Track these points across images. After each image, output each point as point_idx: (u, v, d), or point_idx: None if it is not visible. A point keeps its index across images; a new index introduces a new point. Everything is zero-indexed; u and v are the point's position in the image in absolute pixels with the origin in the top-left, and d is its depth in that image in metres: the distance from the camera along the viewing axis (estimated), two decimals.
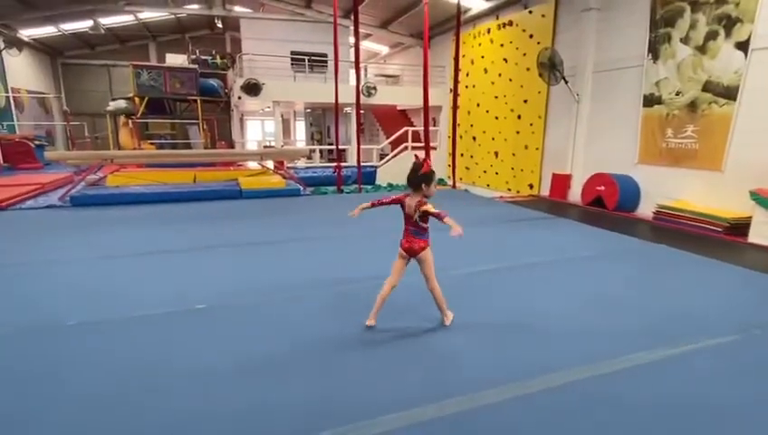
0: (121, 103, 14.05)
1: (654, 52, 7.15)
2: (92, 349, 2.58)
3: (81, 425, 1.92)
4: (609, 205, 7.54)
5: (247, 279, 3.79)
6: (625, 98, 7.79)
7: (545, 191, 9.58)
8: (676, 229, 6.15)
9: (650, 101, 7.27)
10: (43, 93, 17.11)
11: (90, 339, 2.70)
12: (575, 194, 8.67)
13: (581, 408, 2.08)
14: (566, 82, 8.57)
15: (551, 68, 8.58)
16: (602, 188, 7.73)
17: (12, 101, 14.29)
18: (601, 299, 3.39)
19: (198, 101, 13.14)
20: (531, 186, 10.16)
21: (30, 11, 12.86)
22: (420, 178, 2.74)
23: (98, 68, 19.31)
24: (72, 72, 19.03)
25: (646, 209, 7.29)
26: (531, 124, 10.02)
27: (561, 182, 9.03)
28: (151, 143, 13.61)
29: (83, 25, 15.28)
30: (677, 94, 6.83)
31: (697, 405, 2.12)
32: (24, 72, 15.64)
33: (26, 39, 15.39)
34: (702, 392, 2.22)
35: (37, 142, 13.09)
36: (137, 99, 12.67)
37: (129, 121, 13.25)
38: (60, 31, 15.80)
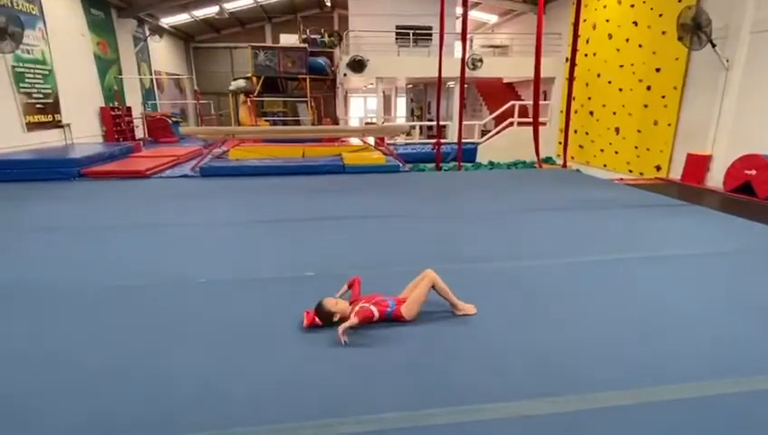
0: (241, 83, 15.34)
1: None
2: (219, 298, 2.90)
3: (216, 342, 2.18)
4: (761, 193, 6.37)
5: (353, 251, 3.94)
6: None
7: (676, 174, 8.41)
8: None
9: None
10: (179, 75, 19.39)
11: (216, 294, 3.04)
12: (715, 178, 7.48)
13: (722, 424, 1.80)
14: (713, 46, 7.31)
15: (694, 30, 7.37)
16: (753, 172, 6.55)
17: (155, 83, 16.43)
18: (744, 304, 2.89)
19: (307, 80, 13.80)
20: (658, 167, 9.00)
21: (170, 0, 14.50)
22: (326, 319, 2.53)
23: (222, 50, 21.27)
24: (201, 55, 21.22)
25: None
26: (663, 96, 8.79)
27: (697, 164, 7.84)
28: (266, 120, 14.73)
29: (211, 11, 16.92)
30: None
31: None
32: (164, 57, 17.84)
33: (166, 26, 17.46)
34: None
35: (174, 119, 14.93)
36: (254, 78, 13.72)
37: (248, 100, 14.44)
38: (192, 17, 17.66)
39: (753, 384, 2.07)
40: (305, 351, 2.37)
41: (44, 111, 9.91)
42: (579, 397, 1.99)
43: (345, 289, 2.80)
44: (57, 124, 10.39)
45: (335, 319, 2.51)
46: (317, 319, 2.52)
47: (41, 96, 9.80)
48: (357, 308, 2.50)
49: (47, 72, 10.06)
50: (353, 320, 2.42)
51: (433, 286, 2.63)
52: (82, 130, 11.31)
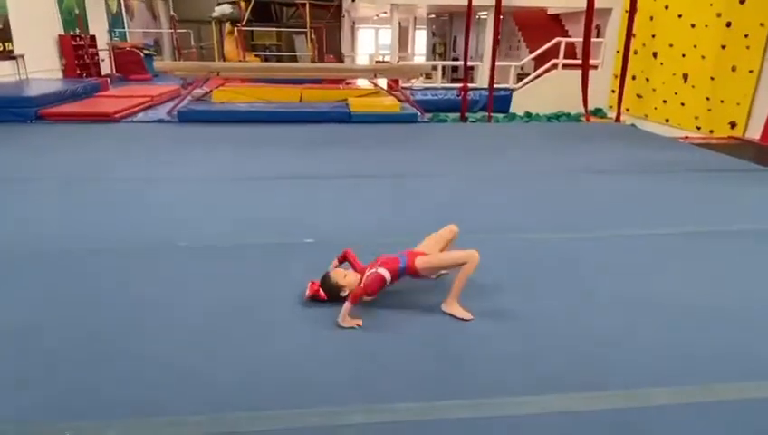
0: (226, 8, 15.04)
1: None
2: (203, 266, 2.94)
3: (201, 319, 2.24)
4: None
5: (358, 216, 3.95)
6: None
7: (754, 133, 8.19)
8: None
9: None
10: None
11: (198, 262, 3.08)
12: None
13: None
14: None
15: None
16: None
17: (123, 7, 16.14)
18: None
19: (307, 6, 13.46)
20: (733, 124, 8.75)
21: None
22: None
23: None
24: None
25: None
26: (746, 36, 8.43)
27: None
28: (256, 55, 14.51)
29: None
30: None
31: None
32: None
33: None
34: None
35: (146, 52, 14.76)
36: (242, 3, 13.41)
37: (235, 30, 14.17)
38: None
39: None
40: (307, 330, 2.40)
41: None
42: (626, 392, 2.00)
43: (335, 264, 2.75)
44: (9, 55, 10.33)
45: (342, 294, 2.47)
46: (321, 292, 2.53)
47: None
48: (365, 279, 2.46)
49: None
50: (366, 295, 2.41)
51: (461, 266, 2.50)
52: (38, 62, 11.23)
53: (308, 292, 2.55)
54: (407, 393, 1.98)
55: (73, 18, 12.90)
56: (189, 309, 2.56)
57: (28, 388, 1.96)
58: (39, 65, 11.22)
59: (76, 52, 12.44)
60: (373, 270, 2.47)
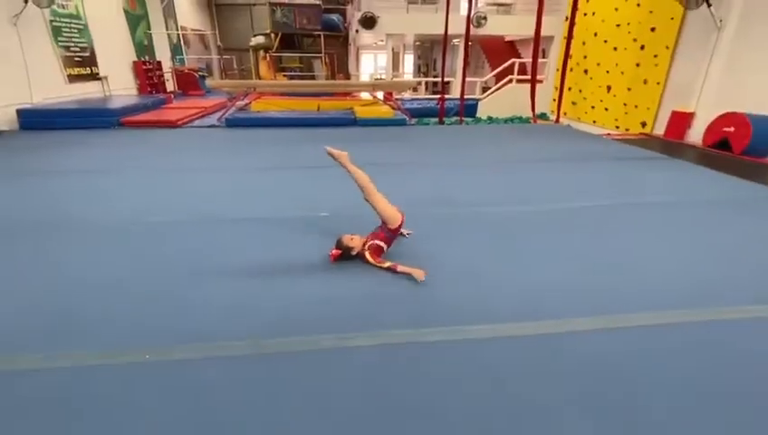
0: (261, 39, 14.65)
1: None
2: (248, 234, 2.96)
3: (248, 269, 2.27)
4: (737, 148, 6.15)
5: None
6: None
7: (659, 130, 8.11)
8: None
9: None
10: (203, 31, 18.47)
11: (244, 228, 3.09)
12: (695, 135, 7.21)
13: (683, 348, 1.87)
14: (709, 6, 6.75)
15: None
16: (731, 129, 6.28)
17: (181, 39, 15.71)
18: (715, 248, 2.89)
19: (321, 36, 13.12)
20: (644, 124, 8.66)
21: None
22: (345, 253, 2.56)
23: (242, 7, 20.05)
24: (223, 12, 20.05)
25: None
26: (655, 56, 8.27)
27: (680, 121, 7.52)
28: (284, 75, 14.20)
29: None
30: None
31: None
32: (189, 13, 16.89)
33: None
34: None
35: (200, 73, 14.41)
36: (272, 35, 13.06)
37: (267, 55, 13.84)
38: None
39: (702, 315, 2.12)
40: (324, 278, 2.44)
41: (82, 63, 9.59)
42: (555, 322, 2.05)
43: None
44: (95, 77, 10.10)
45: (353, 253, 2.57)
46: (336, 252, 2.57)
47: (78, 49, 9.45)
48: (368, 250, 2.54)
49: (82, 27, 9.62)
50: (382, 263, 2.48)
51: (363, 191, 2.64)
52: (118, 82, 10.99)
53: (331, 259, 2.59)
54: (398, 322, 2.03)
55: (144, 48, 12.58)
56: (241, 263, 2.59)
57: (115, 323, 2.00)
58: (118, 84, 10.98)
59: (146, 74, 12.15)
60: (373, 242, 2.57)
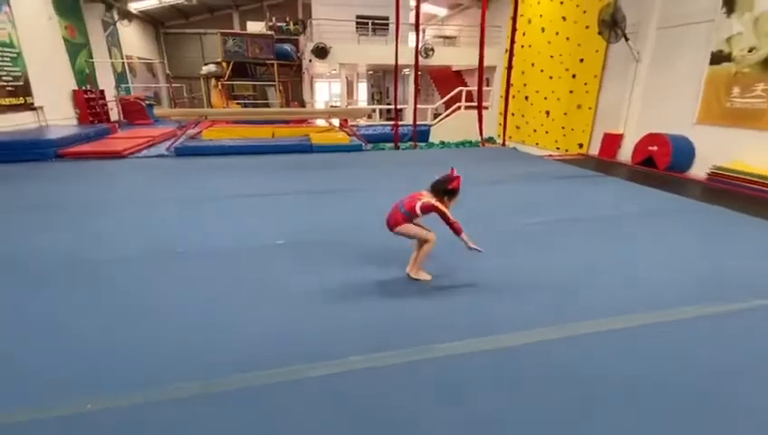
0: (212, 67, 14.47)
1: (729, 4, 6.07)
2: (198, 274, 2.83)
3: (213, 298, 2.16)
4: (661, 165, 6.82)
5: (321, 220, 3.92)
6: (689, 56, 6.78)
7: (594, 150, 8.83)
8: (732, 191, 5.48)
9: (719, 58, 6.28)
10: (150, 59, 17.96)
11: (198, 264, 2.96)
12: (625, 154, 7.92)
13: (630, 350, 2.00)
14: (627, 40, 7.58)
15: (612, 25, 7.58)
16: (655, 148, 6.98)
17: (127, 67, 15.17)
18: (649, 255, 3.15)
19: (275, 65, 13.20)
20: (580, 145, 9.39)
21: None
22: (447, 190, 2.68)
23: (192, 36, 19.82)
24: (172, 41, 19.70)
25: (699, 170, 6.53)
26: (585, 84, 9.10)
27: (611, 142, 8.25)
28: (237, 103, 14.04)
29: None
30: (750, 51, 5.83)
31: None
32: (135, 42, 16.41)
33: (134, 11, 16.00)
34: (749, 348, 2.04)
35: (147, 102, 13.91)
36: (224, 63, 12.96)
37: (219, 84, 13.66)
38: (161, 2, 16.23)
39: (624, 321, 2.29)
40: (294, 303, 2.38)
41: (15, 93, 8.97)
42: (510, 335, 2.12)
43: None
44: (29, 107, 9.44)
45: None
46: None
47: (10, 78, 8.84)
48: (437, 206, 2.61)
49: (15, 55, 9.04)
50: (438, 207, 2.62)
51: (419, 241, 2.70)
52: (56, 112, 10.33)
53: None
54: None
55: (84, 76, 11.99)
56: (188, 299, 2.47)
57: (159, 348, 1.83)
58: (57, 114, 10.31)
59: (88, 103, 11.52)
60: (419, 202, 2.69)
